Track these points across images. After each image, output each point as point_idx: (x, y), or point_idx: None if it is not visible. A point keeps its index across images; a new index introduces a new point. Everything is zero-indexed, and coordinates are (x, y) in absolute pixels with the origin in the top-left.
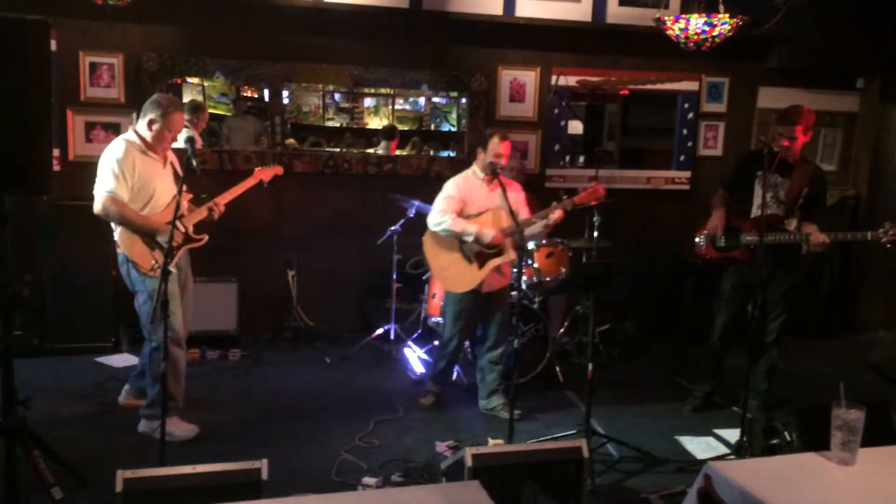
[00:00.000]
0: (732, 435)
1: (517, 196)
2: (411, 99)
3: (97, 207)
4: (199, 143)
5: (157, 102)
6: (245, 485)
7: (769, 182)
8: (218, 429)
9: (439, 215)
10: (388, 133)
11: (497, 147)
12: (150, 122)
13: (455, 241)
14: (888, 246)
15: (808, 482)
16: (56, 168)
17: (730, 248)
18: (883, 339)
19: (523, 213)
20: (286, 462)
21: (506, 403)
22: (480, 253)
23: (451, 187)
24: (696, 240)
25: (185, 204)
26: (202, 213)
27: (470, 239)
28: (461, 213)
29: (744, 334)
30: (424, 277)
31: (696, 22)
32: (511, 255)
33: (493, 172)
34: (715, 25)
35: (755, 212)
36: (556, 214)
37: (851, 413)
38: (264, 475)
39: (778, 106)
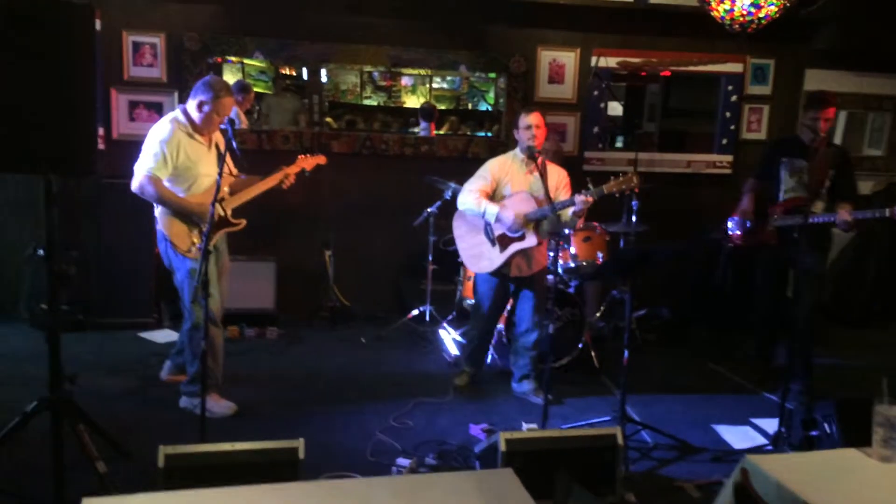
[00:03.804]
0: (770, 425)
1: (559, 180)
2: (448, 77)
3: (134, 185)
4: (244, 123)
5: (209, 84)
6: (282, 463)
7: (795, 167)
8: (255, 406)
9: (464, 194)
10: (428, 113)
11: (526, 120)
12: (201, 104)
13: (481, 221)
14: None
15: (847, 478)
16: (100, 147)
17: (757, 231)
18: None
19: (563, 197)
20: (321, 440)
21: (537, 388)
22: (503, 236)
23: (485, 168)
24: (729, 225)
25: (224, 188)
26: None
27: (492, 220)
28: (494, 194)
29: (781, 320)
30: (459, 259)
31: (742, 3)
32: (532, 240)
33: (531, 156)
34: (762, 7)
35: (782, 196)
36: (583, 203)
37: (894, 410)
38: (301, 454)
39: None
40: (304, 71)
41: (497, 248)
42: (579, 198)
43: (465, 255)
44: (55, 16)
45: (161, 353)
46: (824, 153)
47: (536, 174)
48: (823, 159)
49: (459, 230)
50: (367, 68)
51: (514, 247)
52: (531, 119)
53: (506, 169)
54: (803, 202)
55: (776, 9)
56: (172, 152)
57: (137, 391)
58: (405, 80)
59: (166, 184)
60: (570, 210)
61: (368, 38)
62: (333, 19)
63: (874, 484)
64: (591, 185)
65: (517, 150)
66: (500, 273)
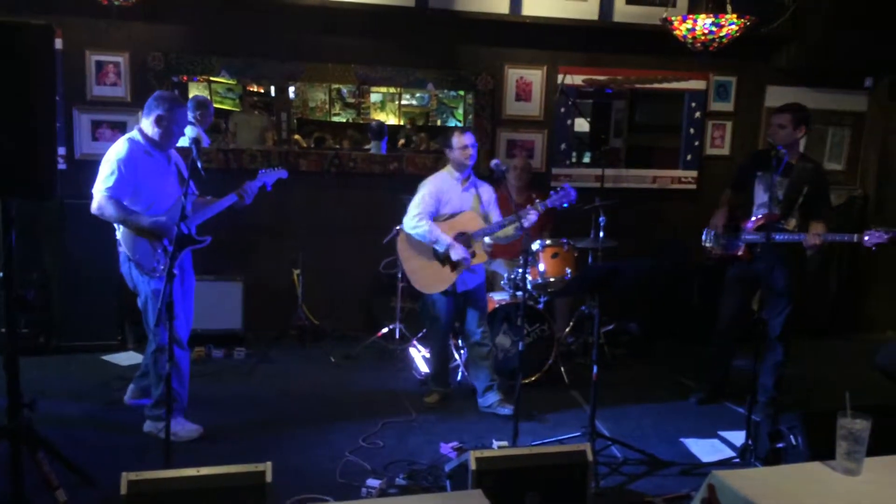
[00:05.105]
0: (738, 437)
1: (490, 195)
2: (417, 94)
3: (94, 206)
4: (205, 141)
5: (162, 98)
6: (249, 487)
7: (769, 182)
8: (223, 429)
9: (415, 219)
10: (376, 132)
11: (462, 140)
12: (159, 119)
13: (429, 244)
14: (873, 248)
15: (813, 493)
16: (62, 167)
17: (730, 246)
18: (891, 339)
19: (494, 213)
20: (291, 462)
21: (503, 399)
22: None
23: (426, 188)
24: (703, 237)
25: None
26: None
27: (441, 249)
28: (436, 214)
29: (748, 333)
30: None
31: (704, 22)
32: (482, 257)
33: (500, 174)
34: (722, 26)
35: (755, 211)
36: (530, 217)
37: (857, 423)
38: (268, 478)
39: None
40: (272, 88)
41: (447, 267)
42: (531, 213)
43: (415, 277)
44: (13, 37)
45: (125, 377)
46: (799, 169)
47: (472, 191)
48: (799, 175)
49: (406, 252)
50: (336, 86)
51: (464, 265)
52: (466, 139)
53: (444, 187)
54: (776, 218)
55: (737, 28)
56: (129, 169)
57: (101, 416)
58: (374, 97)
59: (126, 203)
60: (513, 225)
61: (336, 57)
62: (301, 38)
63: (839, 497)
64: (537, 201)
65: (450, 168)
66: (450, 291)
